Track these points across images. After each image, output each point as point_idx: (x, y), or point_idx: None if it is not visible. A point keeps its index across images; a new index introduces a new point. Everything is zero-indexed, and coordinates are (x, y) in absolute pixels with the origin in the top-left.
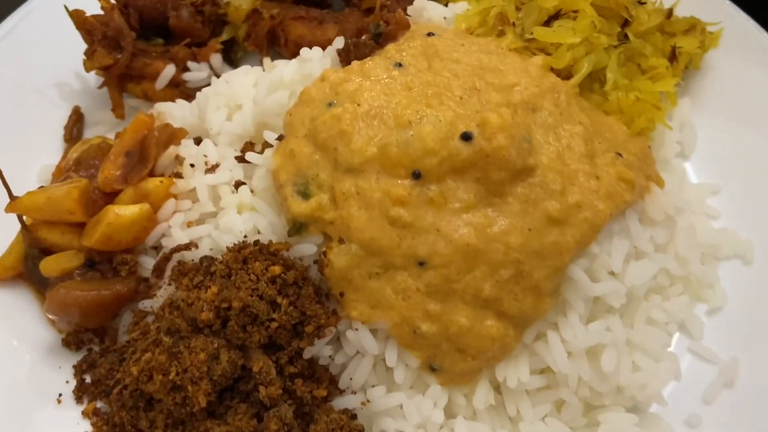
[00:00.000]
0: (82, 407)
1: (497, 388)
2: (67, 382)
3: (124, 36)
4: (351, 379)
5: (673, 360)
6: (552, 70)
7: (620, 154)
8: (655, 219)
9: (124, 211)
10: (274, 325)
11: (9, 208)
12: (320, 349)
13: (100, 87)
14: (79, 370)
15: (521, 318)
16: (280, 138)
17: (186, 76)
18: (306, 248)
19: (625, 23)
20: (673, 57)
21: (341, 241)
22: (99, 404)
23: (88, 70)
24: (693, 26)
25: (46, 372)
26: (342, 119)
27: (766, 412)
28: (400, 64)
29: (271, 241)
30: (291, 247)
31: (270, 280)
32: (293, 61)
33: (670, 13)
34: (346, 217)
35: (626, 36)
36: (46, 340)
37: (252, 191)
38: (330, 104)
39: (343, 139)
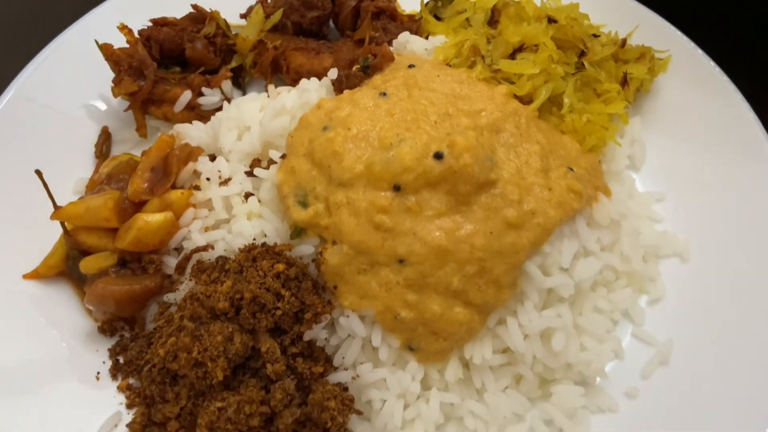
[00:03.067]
0: (117, 383)
1: (466, 365)
2: (104, 362)
3: (147, 66)
4: (343, 358)
5: (616, 341)
6: (515, 97)
7: (571, 169)
8: (601, 223)
9: (152, 218)
10: (279, 312)
11: (54, 216)
12: (317, 333)
13: (126, 110)
14: (113, 352)
15: (485, 306)
16: (283, 156)
17: (201, 100)
18: (305, 249)
19: (582, 54)
20: (624, 82)
21: (334, 242)
22: (131, 381)
23: (116, 95)
24: (643, 54)
25: (85, 355)
26: (335, 141)
27: (696, 386)
28: (384, 94)
29: (276, 243)
30: (292, 248)
31: (275, 275)
32: (294, 90)
33: (624, 42)
34: (338, 223)
35: (583, 65)
36: (84, 328)
37: (259, 201)
38: (325, 128)
39: (335, 158)
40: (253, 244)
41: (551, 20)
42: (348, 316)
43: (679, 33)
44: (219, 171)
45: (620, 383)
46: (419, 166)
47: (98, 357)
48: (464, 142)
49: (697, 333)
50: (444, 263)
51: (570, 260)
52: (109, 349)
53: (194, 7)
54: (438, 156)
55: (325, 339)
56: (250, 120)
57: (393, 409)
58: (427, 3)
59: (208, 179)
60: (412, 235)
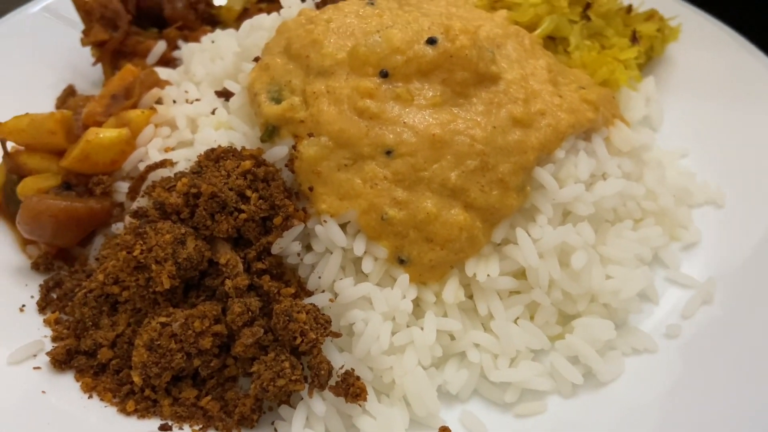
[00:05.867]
0: (45, 317)
1: (469, 294)
2: (32, 297)
3: (121, 17)
4: (319, 278)
5: (647, 275)
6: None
7: (584, 89)
8: (621, 149)
9: (105, 132)
10: (243, 216)
11: None
12: (289, 245)
13: (95, 64)
14: (45, 287)
15: (488, 211)
16: (256, 59)
17: (177, 54)
18: (278, 151)
19: (587, 6)
20: (634, 39)
21: (311, 135)
22: (62, 316)
23: (84, 45)
24: (651, 15)
25: (10, 288)
26: (314, 32)
27: (743, 325)
28: (372, 3)
29: (243, 147)
30: (263, 153)
31: (241, 174)
32: (274, 13)
33: (629, 8)
34: (316, 113)
35: (588, 17)
36: (15, 263)
37: (228, 113)
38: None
39: (314, 47)
40: (217, 147)
41: None
42: (325, 222)
43: (686, 3)
44: (186, 92)
45: (658, 325)
46: (410, 49)
47: (26, 291)
48: (461, 25)
49: (741, 272)
50: (439, 155)
51: (587, 174)
52: (41, 285)
53: None
54: (431, 41)
55: (298, 254)
56: (226, 51)
57: (378, 330)
58: None
59: (174, 102)
60: (401, 123)
